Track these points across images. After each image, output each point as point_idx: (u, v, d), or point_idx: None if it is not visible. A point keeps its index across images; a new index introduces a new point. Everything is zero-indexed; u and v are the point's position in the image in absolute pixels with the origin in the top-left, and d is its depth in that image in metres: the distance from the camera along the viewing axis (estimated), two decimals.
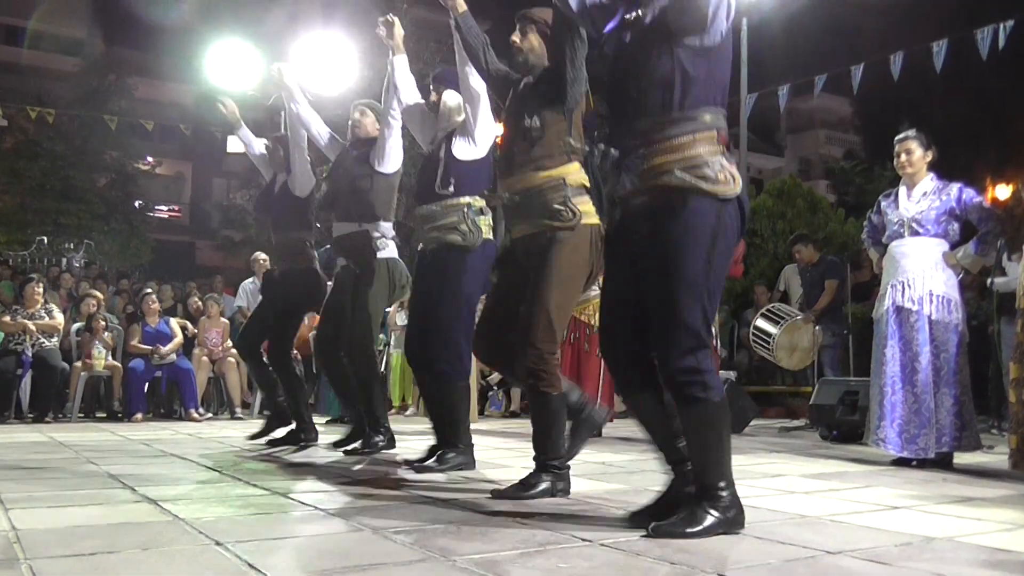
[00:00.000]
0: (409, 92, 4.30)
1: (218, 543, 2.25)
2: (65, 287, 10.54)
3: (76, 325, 8.29)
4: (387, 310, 8.34)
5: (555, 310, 3.11)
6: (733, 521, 2.43)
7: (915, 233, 4.48)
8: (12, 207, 20.86)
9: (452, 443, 3.91)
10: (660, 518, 2.43)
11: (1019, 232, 4.43)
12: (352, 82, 12.91)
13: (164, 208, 29.33)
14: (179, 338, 8.11)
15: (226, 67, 12.86)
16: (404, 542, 2.29)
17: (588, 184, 3.22)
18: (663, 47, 2.42)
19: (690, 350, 2.38)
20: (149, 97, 25.23)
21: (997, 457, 4.66)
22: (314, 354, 5.60)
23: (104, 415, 8.00)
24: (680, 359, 2.38)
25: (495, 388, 9.18)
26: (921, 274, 4.42)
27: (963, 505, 3.12)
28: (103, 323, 7.90)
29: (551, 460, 3.15)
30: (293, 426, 5.16)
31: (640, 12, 2.51)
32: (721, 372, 6.19)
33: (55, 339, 7.75)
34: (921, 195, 4.52)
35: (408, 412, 8.52)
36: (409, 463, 3.99)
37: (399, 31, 4.27)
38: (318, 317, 8.65)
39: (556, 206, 3.14)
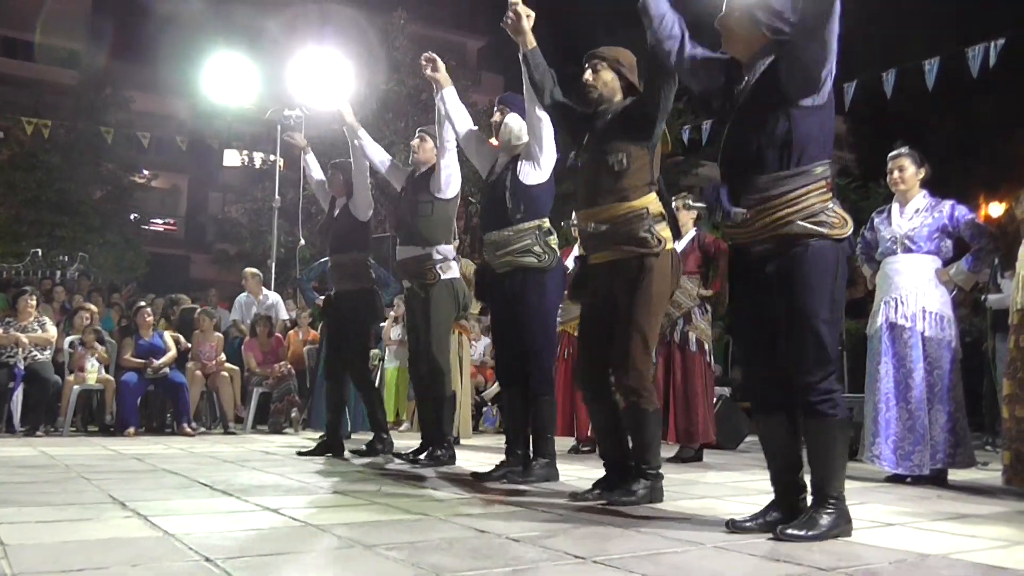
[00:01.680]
0: (462, 121, 4.46)
1: (208, 559, 2.23)
2: (59, 300, 10.50)
3: (69, 338, 8.25)
4: (381, 325, 8.32)
5: (649, 330, 3.36)
6: (843, 528, 2.69)
7: (908, 250, 4.50)
8: (6, 219, 20.82)
9: (541, 453, 4.11)
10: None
11: (1013, 249, 4.44)
12: (348, 96, 12.99)
13: (159, 221, 29.33)
14: (172, 352, 8.08)
15: (223, 81, 12.92)
16: (396, 558, 2.28)
17: (665, 213, 3.43)
18: (780, 107, 2.66)
19: (828, 375, 2.70)
20: (146, 110, 25.26)
21: (991, 474, 4.66)
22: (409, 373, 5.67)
23: (96, 429, 7.95)
24: (820, 382, 2.68)
25: (489, 404, 9.16)
26: (914, 291, 4.43)
27: (957, 522, 3.11)
28: (96, 336, 7.86)
29: (651, 470, 3.41)
30: (371, 437, 5.48)
31: (754, 75, 2.76)
32: (715, 388, 6.18)
33: (48, 352, 7.70)
34: (914, 212, 4.54)
35: (402, 427, 8.48)
36: (479, 476, 4.13)
37: (442, 66, 4.45)
38: (313, 333, 8.65)
39: (642, 234, 3.35)
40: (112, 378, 7.78)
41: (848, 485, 4.19)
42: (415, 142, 4.95)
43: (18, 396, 7.53)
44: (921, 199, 4.56)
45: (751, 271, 2.80)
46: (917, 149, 4.65)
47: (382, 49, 20.38)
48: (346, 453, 5.37)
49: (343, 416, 5.73)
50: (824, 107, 2.69)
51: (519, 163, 4.06)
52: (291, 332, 9.01)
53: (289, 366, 8.33)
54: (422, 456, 4.83)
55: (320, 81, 11.42)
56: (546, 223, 4.07)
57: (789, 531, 2.62)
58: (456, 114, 4.43)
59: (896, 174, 4.60)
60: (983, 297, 6.42)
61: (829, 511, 2.68)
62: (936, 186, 4.68)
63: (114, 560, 2.22)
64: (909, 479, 4.36)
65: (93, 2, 28.84)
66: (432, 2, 26.99)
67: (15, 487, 3.73)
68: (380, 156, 5.29)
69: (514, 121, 4.15)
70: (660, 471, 3.47)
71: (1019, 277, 4.14)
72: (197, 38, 23.31)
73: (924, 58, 9.57)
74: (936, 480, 4.32)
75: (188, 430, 7.66)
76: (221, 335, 8.62)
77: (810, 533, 2.61)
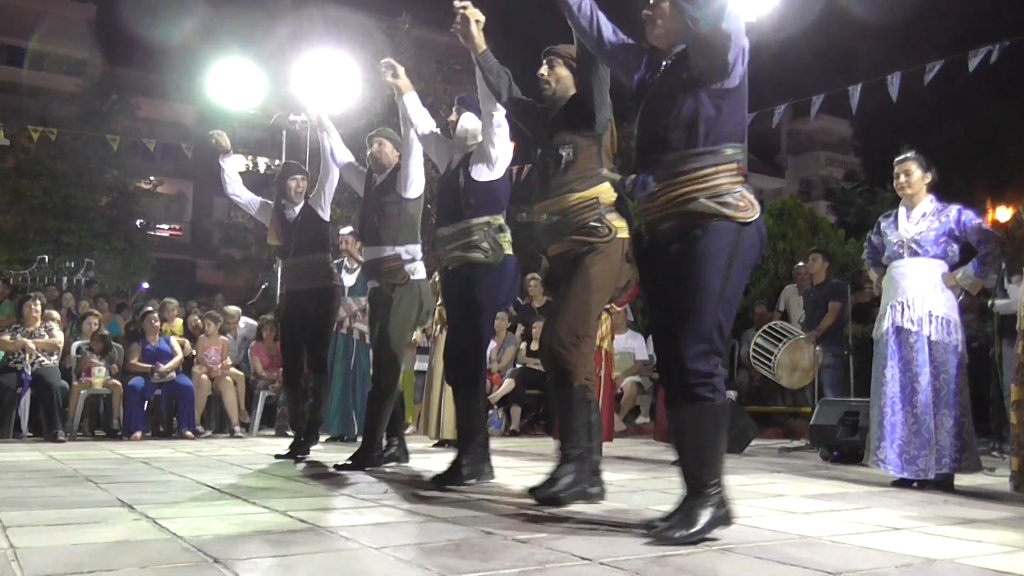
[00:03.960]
0: (424, 123, 4.53)
1: (216, 560, 2.24)
2: (66, 306, 10.53)
3: (76, 343, 8.28)
4: None
5: (582, 310, 3.36)
6: (724, 518, 2.62)
7: (914, 254, 4.49)
8: (13, 226, 20.90)
9: (464, 451, 4.11)
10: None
11: (1020, 254, 4.44)
12: (353, 100, 13.01)
13: (165, 227, 29.41)
14: (179, 356, 8.10)
15: (228, 86, 12.96)
16: (403, 560, 2.29)
17: (616, 202, 3.46)
18: (688, 90, 2.67)
19: (703, 354, 2.59)
20: (151, 117, 25.37)
21: (998, 479, 4.65)
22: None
23: (103, 433, 7.98)
24: (692, 361, 2.58)
25: (495, 407, 9.16)
26: (921, 295, 4.43)
27: (964, 526, 3.10)
28: (103, 342, 7.89)
29: (574, 448, 3.40)
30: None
31: (668, 60, 2.77)
32: None
33: (55, 357, 7.73)
34: (920, 216, 4.54)
35: (408, 430, 8.49)
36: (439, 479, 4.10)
37: (401, 71, 4.52)
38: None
39: (592, 223, 3.40)
40: (119, 383, 7.80)
41: (854, 489, 4.23)
42: (374, 148, 4.94)
43: (25, 401, 7.56)
44: (928, 203, 4.56)
45: (656, 253, 2.77)
46: (923, 154, 4.65)
47: (387, 53, 20.41)
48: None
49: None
50: (735, 90, 2.68)
51: (471, 162, 4.11)
52: None
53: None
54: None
55: (325, 85, 11.45)
56: (498, 220, 4.10)
57: (668, 533, 2.55)
58: (418, 117, 4.51)
59: (903, 178, 4.60)
60: (990, 302, 6.40)
61: (708, 503, 2.59)
62: (942, 190, 4.68)
63: (123, 562, 2.23)
64: (915, 483, 4.35)
65: (98, 10, 28.97)
66: (437, 6, 27.04)
67: (24, 491, 3.75)
68: (343, 157, 5.32)
69: (468, 122, 4.22)
70: (592, 457, 3.46)
71: None
72: (202, 44, 23.43)
73: (927, 61, 9.57)
74: (942, 485, 4.31)
75: (189, 434, 7.67)
76: (226, 339, 8.64)
77: (690, 532, 2.54)
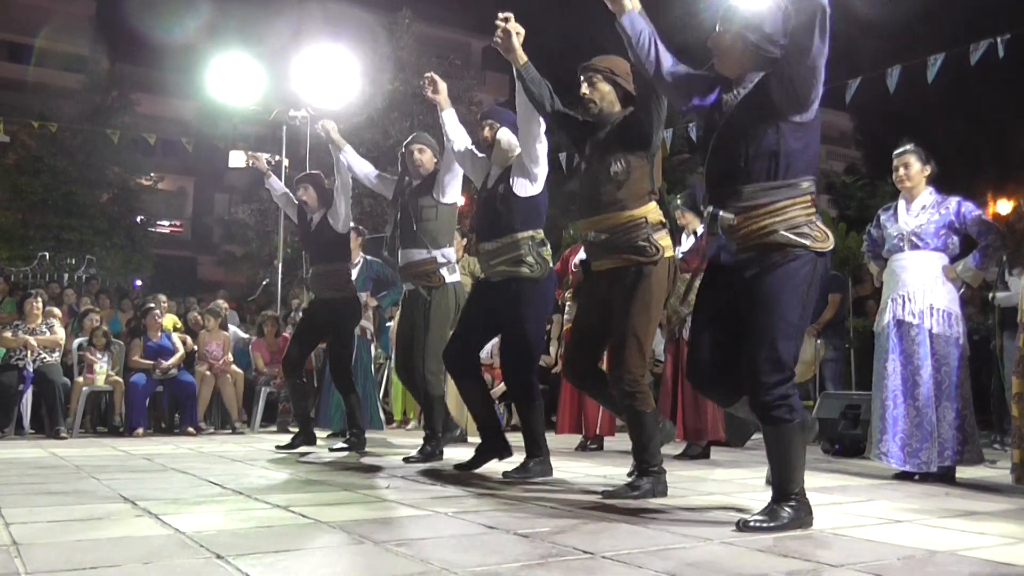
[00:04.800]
0: (460, 140, 4.59)
1: (219, 556, 2.25)
2: (67, 302, 10.53)
3: (78, 340, 8.29)
4: (388, 324, 8.34)
5: (644, 336, 3.43)
6: (804, 520, 2.76)
7: (915, 247, 4.49)
8: (14, 223, 20.89)
9: (531, 453, 4.20)
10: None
11: (1021, 246, 4.45)
12: (354, 96, 13.01)
13: (166, 223, 29.40)
14: (181, 352, 8.11)
15: (229, 82, 12.94)
16: (405, 554, 2.29)
17: (665, 221, 3.51)
18: (768, 121, 2.73)
19: (783, 381, 2.71)
20: (152, 113, 25.34)
21: (999, 471, 4.65)
22: (397, 371, 5.92)
23: (105, 430, 7.99)
24: (774, 388, 2.70)
25: (497, 402, 9.17)
26: (922, 288, 4.42)
27: (966, 519, 3.11)
28: (105, 338, 7.90)
29: (652, 467, 3.50)
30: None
31: (743, 89, 2.83)
32: None
33: (56, 354, 7.74)
34: (920, 209, 4.53)
35: (410, 426, 8.50)
36: (461, 466, 4.34)
37: (443, 87, 4.58)
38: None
39: (641, 243, 3.44)
40: (121, 379, 7.81)
41: (856, 482, 4.24)
42: (416, 154, 5.03)
43: (27, 398, 7.57)
44: (927, 196, 4.55)
45: (727, 274, 2.87)
46: (924, 147, 4.64)
47: (387, 48, 20.41)
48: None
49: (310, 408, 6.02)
50: (811, 124, 2.75)
51: (512, 176, 4.13)
52: None
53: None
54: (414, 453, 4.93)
55: (325, 81, 11.44)
56: (540, 234, 4.15)
57: (752, 522, 2.69)
58: (455, 134, 4.59)
59: (902, 171, 4.59)
60: (991, 295, 6.40)
61: (792, 504, 2.75)
62: (943, 183, 4.67)
63: (126, 558, 2.24)
64: (917, 476, 4.35)
65: (99, 6, 28.93)
66: (437, 1, 27.01)
67: (26, 488, 3.75)
68: (366, 169, 5.46)
69: (506, 136, 4.24)
70: (662, 467, 3.54)
71: None
72: (202, 40, 23.41)
73: (929, 54, 9.54)
74: (944, 477, 4.31)
75: (190, 430, 7.68)
76: (227, 334, 8.65)
77: (772, 524, 2.68)
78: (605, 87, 3.58)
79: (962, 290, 4.54)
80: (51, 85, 24.49)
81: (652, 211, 3.48)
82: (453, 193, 4.91)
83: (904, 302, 4.45)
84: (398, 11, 21.01)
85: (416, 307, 4.91)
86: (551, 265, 4.20)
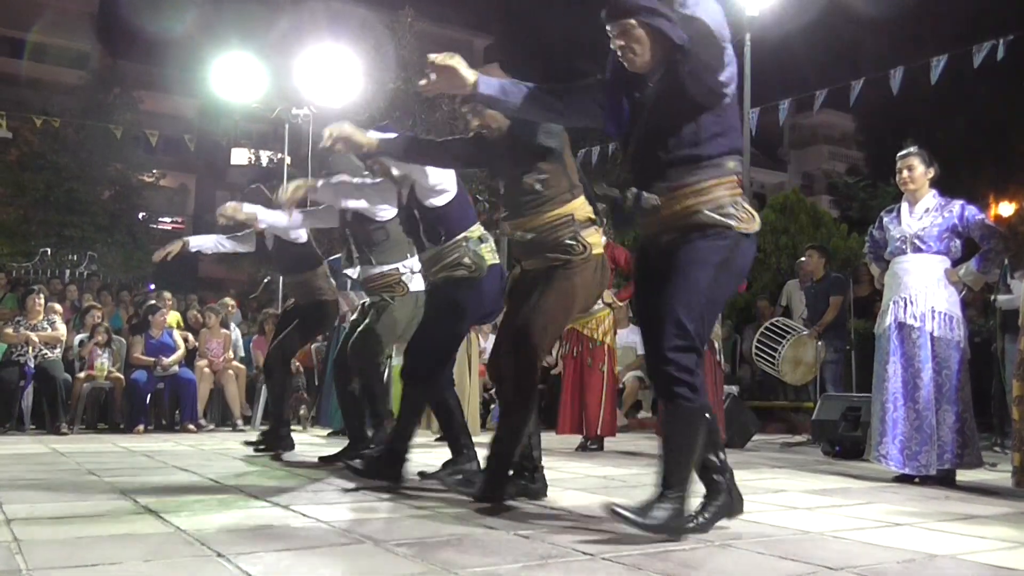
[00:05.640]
0: (353, 199, 4.59)
1: (220, 555, 2.25)
2: (69, 299, 10.55)
3: (79, 336, 8.30)
4: None
5: (549, 319, 3.30)
6: (674, 527, 2.54)
7: (917, 250, 4.49)
8: (16, 219, 20.91)
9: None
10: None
11: (1022, 250, 4.44)
12: (355, 94, 13.04)
13: (167, 220, 29.38)
14: (182, 350, 8.12)
15: (231, 80, 12.96)
16: (406, 555, 2.29)
17: (594, 216, 3.41)
18: (685, 106, 2.65)
19: (686, 349, 2.56)
20: (154, 110, 25.34)
21: (999, 475, 4.65)
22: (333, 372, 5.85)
23: (106, 427, 8.00)
24: (677, 354, 2.55)
25: (497, 402, 9.17)
26: (923, 290, 4.42)
27: (965, 522, 3.11)
28: (103, 335, 7.91)
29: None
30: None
31: (656, 80, 2.72)
32: (724, 387, 6.19)
33: (58, 350, 7.75)
34: (923, 211, 4.53)
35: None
36: (424, 475, 4.11)
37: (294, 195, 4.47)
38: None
39: (568, 241, 3.34)
40: (122, 376, 7.82)
41: (856, 484, 4.24)
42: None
43: (28, 394, 7.59)
44: (931, 199, 4.55)
45: (654, 257, 2.75)
46: (926, 148, 4.64)
47: (389, 47, 20.40)
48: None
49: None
50: (730, 106, 2.69)
51: (416, 196, 3.98)
52: None
53: (297, 363, 8.35)
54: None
55: (327, 79, 11.45)
56: (474, 232, 3.96)
57: (620, 509, 2.52)
58: (321, 220, 4.99)
59: (905, 173, 4.59)
60: (992, 298, 6.40)
61: (668, 505, 2.55)
62: (945, 186, 4.67)
63: (127, 556, 2.24)
64: (917, 479, 4.35)
65: (100, 2, 28.93)
66: (439, 0, 27.02)
67: (27, 484, 3.76)
68: (292, 219, 5.19)
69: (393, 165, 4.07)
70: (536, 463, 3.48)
71: None
72: (204, 37, 23.40)
73: (932, 55, 9.55)
74: (944, 480, 4.31)
75: (191, 427, 7.69)
76: (228, 332, 8.66)
77: (638, 520, 2.51)
78: (488, 114, 3.43)
79: (963, 292, 4.54)
80: (53, 81, 24.49)
81: (579, 207, 3.38)
82: (387, 211, 4.69)
83: (906, 305, 4.45)
84: (400, 9, 21.01)
85: (373, 312, 4.77)
86: (493, 261, 3.96)
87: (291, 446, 5.47)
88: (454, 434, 4.08)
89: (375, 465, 3.92)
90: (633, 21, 2.65)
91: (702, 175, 2.64)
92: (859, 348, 7.60)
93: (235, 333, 9.08)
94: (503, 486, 3.30)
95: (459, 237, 3.93)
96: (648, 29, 2.64)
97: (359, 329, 4.72)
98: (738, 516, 2.79)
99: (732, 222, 2.63)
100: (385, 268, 4.73)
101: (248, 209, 5.14)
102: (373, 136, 3.58)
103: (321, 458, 4.85)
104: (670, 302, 2.59)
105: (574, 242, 3.33)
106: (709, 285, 2.61)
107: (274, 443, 5.40)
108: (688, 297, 2.58)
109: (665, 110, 2.69)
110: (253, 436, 6.06)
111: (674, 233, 2.68)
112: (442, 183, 3.92)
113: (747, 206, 2.69)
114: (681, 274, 2.61)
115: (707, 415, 2.62)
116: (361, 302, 5.06)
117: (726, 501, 2.72)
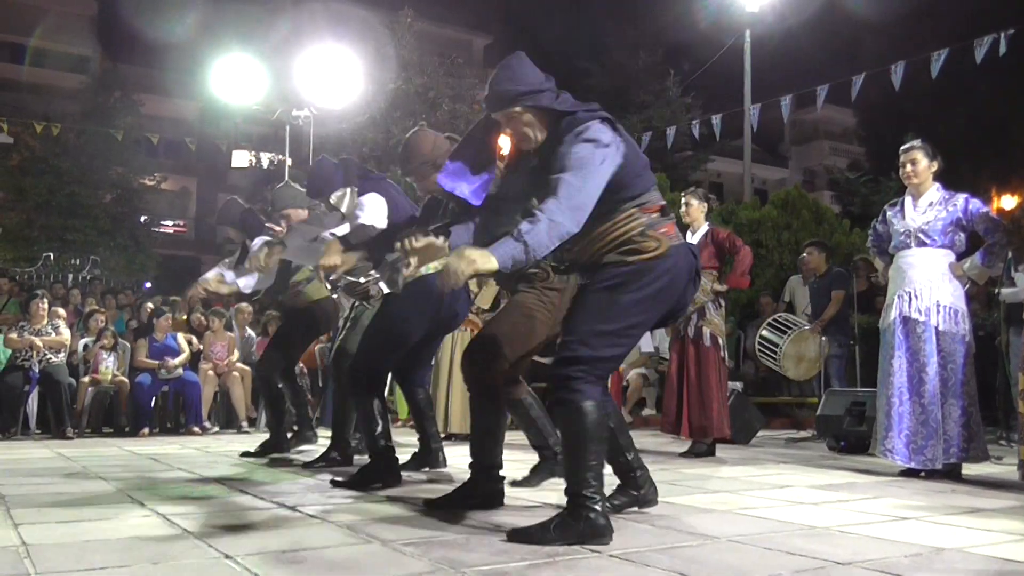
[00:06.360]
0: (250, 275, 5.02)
1: (227, 556, 2.26)
2: (72, 303, 10.56)
3: (83, 340, 8.31)
4: None
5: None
6: (584, 533, 2.44)
7: (921, 243, 4.48)
8: (18, 224, 20.92)
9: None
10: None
11: None
12: (356, 95, 13.09)
13: (169, 223, 29.43)
14: (186, 352, 8.12)
15: (231, 82, 12.99)
16: (413, 553, 2.30)
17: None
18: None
19: (574, 360, 2.52)
20: (155, 113, 25.36)
21: (1005, 468, 4.65)
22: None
23: (111, 430, 8.01)
24: (566, 367, 2.53)
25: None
26: (928, 284, 4.42)
27: (972, 516, 3.11)
28: (110, 339, 7.92)
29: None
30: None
31: (541, 154, 2.72)
32: (728, 383, 6.18)
33: (62, 355, 7.76)
34: (927, 205, 4.52)
35: (397, 424, 8.50)
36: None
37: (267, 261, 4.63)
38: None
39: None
40: (126, 379, 7.82)
41: (861, 479, 4.24)
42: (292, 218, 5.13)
43: (33, 399, 7.59)
44: (935, 192, 4.54)
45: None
46: (929, 142, 4.63)
47: (389, 47, 20.41)
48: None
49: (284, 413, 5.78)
50: (621, 167, 2.61)
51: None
52: None
53: (302, 364, 8.35)
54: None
55: (328, 80, 11.46)
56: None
57: (520, 532, 2.50)
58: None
59: (909, 167, 4.58)
60: (996, 291, 6.39)
61: (579, 514, 2.47)
62: (946, 180, 4.66)
63: (135, 559, 2.24)
64: (923, 473, 4.35)
65: (100, 6, 28.96)
66: (439, 0, 27.02)
67: (34, 488, 3.76)
68: (249, 278, 5.29)
69: (337, 200, 4.15)
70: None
71: None
72: (205, 40, 23.43)
73: (933, 50, 9.53)
74: (950, 474, 4.31)
75: (196, 430, 7.69)
76: (232, 335, 8.66)
77: (534, 536, 2.46)
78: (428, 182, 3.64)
79: (967, 286, 4.54)
80: (54, 86, 24.52)
81: None
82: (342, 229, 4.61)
83: (910, 299, 4.44)
84: (400, 10, 21.02)
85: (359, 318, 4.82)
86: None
87: (314, 439, 5.70)
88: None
89: (371, 474, 3.90)
90: (518, 108, 2.66)
91: (603, 223, 2.62)
92: (862, 343, 7.60)
93: (249, 335, 9.08)
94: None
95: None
96: (534, 110, 2.66)
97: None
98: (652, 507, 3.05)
99: (633, 257, 2.60)
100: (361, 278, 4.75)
101: (229, 280, 5.32)
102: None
103: (306, 464, 4.83)
104: (573, 324, 2.63)
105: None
106: (606, 306, 2.58)
107: (297, 443, 5.59)
108: (588, 319, 2.59)
109: (548, 179, 2.62)
110: (256, 442, 6.06)
111: (587, 271, 2.73)
112: (375, 217, 3.95)
113: (652, 233, 2.62)
114: (587, 304, 2.64)
115: (597, 418, 2.54)
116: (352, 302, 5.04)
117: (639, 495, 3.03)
